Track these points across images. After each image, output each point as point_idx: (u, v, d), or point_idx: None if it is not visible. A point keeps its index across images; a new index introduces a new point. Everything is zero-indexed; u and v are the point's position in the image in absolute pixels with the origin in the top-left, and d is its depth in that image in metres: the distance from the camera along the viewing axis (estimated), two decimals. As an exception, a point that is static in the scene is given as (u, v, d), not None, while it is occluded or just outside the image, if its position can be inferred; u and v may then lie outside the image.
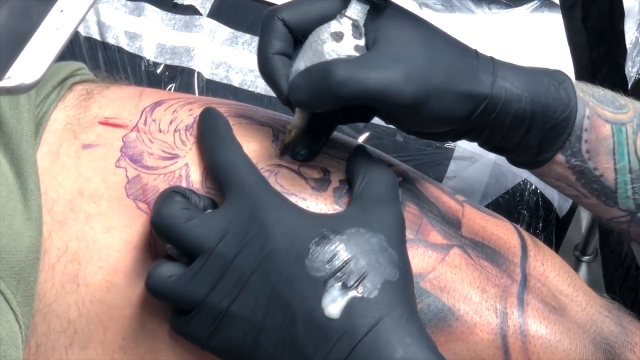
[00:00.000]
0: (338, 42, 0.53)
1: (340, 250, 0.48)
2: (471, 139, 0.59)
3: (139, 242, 0.54)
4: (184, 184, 0.55)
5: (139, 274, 0.53)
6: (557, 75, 0.58)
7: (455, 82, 0.54)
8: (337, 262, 0.48)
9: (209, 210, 0.52)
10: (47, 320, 0.54)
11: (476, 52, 0.57)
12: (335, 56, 0.53)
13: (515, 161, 0.61)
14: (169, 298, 0.50)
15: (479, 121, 0.56)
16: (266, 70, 0.55)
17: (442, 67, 0.53)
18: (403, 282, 0.49)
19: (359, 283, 0.48)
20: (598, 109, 0.58)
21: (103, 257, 0.54)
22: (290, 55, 0.55)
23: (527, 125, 0.57)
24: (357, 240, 0.49)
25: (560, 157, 0.58)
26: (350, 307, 0.47)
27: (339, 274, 0.48)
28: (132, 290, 0.53)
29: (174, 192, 0.51)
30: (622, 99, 0.60)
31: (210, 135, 0.55)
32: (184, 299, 0.49)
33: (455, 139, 0.59)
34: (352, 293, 0.47)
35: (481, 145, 0.60)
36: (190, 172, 0.55)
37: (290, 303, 0.47)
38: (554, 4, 0.96)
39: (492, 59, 0.57)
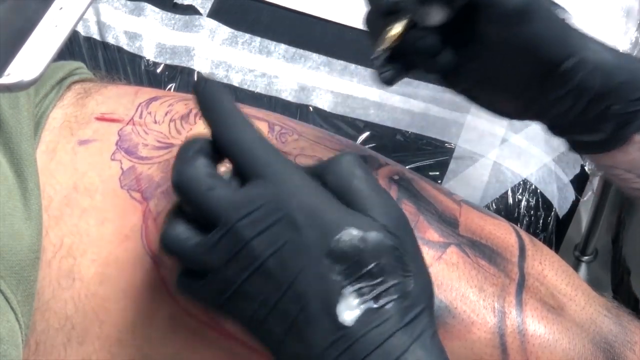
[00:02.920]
0: None
1: (362, 255, 0.47)
2: (546, 113, 0.56)
3: (131, 232, 0.54)
4: None
5: (132, 264, 0.53)
6: None
7: (555, 16, 0.53)
8: (357, 268, 0.46)
9: (234, 184, 0.49)
10: (45, 318, 0.54)
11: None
12: None
13: (587, 144, 0.58)
14: (183, 260, 0.48)
15: (564, 78, 0.53)
16: None
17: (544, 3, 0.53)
18: (418, 291, 0.48)
19: (377, 293, 0.46)
20: None
21: (96, 250, 0.54)
22: None
23: (612, 95, 0.54)
24: (379, 247, 0.47)
25: (638, 137, 0.55)
26: (366, 317, 0.46)
27: (356, 283, 0.46)
28: (125, 281, 0.53)
29: (199, 154, 0.48)
30: None
31: (217, 111, 0.50)
32: (199, 265, 0.47)
33: (528, 113, 0.57)
34: (369, 304, 0.46)
35: (551, 126, 0.58)
36: None
37: (306, 298, 0.46)
38: (555, 4, 0.96)
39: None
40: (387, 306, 0.46)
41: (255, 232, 0.46)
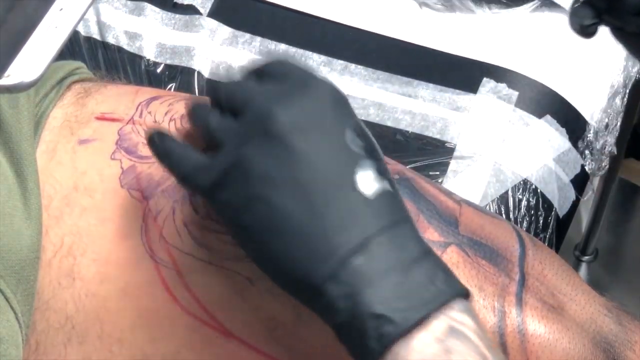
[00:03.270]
0: None
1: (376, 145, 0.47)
2: None
3: (131, 230, 0.54)
4: None
5: (132, 263, 0.53)
6: None
7: None
8: (376, 151, 0.47)
9: None
10: (45, 317, 0.54)
11: None
12: None
13: None
14: (204, 131, 0.48)
15: None
16: None
17: None
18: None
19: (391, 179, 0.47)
20: None
21: (96, 249, 0.54)
22: None
23: None
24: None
25: None
26: (383, 196, 0.45)
27: (374, 160, 0.46)
28: (125, 280, 0.53)
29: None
30: None
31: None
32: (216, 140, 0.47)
33: None
34: (385, 184, 0.46)
35: None
36: None
37: (325, 166, 0.45)
38: (555, 4, 0.96)
39: None
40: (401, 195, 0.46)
41: (279, 102, 0.46)
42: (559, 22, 0.96)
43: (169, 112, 0.58)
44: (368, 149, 0.46)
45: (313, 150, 0.45)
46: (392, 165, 0.62)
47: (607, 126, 0.93)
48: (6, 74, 0.40)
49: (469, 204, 0.62)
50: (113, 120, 0.58)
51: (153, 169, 0.55)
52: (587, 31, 0.56)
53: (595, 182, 1.23)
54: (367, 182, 0.45)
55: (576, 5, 0.55)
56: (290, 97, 0.46)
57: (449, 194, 0.62)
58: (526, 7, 0.96)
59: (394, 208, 0.46)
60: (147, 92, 0.62)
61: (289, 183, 0.44)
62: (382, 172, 0.46)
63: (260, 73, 0.49)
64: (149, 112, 0.58)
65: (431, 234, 0.57)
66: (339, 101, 0.47)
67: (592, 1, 0.55)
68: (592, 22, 0.55)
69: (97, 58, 0.94)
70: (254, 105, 0.46)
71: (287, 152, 0.45)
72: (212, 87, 0.49)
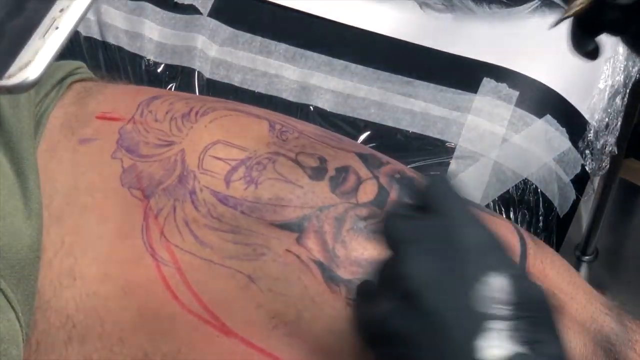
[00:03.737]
0: None
1: (519, 300, 0.42)
2: None
3: (132, 230, 0.54)
4: (179, 169, 0.55)
5: (133, 262, 0.53)
6: None
7: None
8: (510, 311, 0.42)
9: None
10: (46, 317, 0.54)
11: None
12: None
13: None
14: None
15: None
16: None
17: None
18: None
19: (531, 340, 0.41)
20: None
21: (97, 248, 0.54)
22: None
23: None
24: (533, 294, 0.43)
25: None
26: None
27: (505, 321, 0.41)
28: (126, 279, 0.53)
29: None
30: None
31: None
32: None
33: None
34: (518, 348, 0.41)
35: None
36: (185, 156, 0.56)
37: (449, 328, 0.41)
38: (555, 4, 0.96)
39: None
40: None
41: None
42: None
43: (170, 111, 0.58)
44: (499, 308, 0.41)
45: (440, 309, 0.42)
46: (393, 164, 0.62)
47: (607, 126, 0.93)
48: (7, 74, 0.40)
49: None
50: (114, 119, 0.58)
51: (154, 168, 0.55)
52: (592, 55, 0.59)
53: (595, 182, 1.23)
54: (491, 347, 0.40)
55: (574, 34, 0.59)
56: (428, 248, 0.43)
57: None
58: (526, 7, 0.96)
59: None
60: (148, 91, 0.62)
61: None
62: (514, 334, 0.41)
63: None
64: (150, 112, 0.59)
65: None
66: (480, 247, 0.43)
67: (588, 29, 0.57)
68: (594, 46, 0.59)
69: (98, 58, 0.94)
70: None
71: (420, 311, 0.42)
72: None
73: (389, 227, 0.44)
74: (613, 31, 0.58)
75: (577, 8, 0.57)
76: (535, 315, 0.42)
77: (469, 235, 0.43)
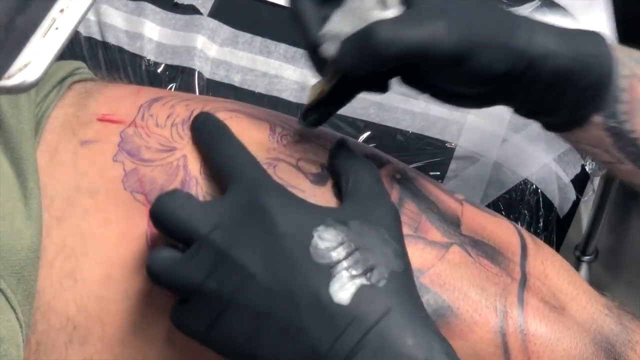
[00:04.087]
0: (383, 10, 0.52)
1: (345, 240, 0.48)
2: (505, 102, 0.57)
3: (135, 233, 0.54)
4: (181, 174, 0.55)
5: (136, 266, 0.53)
6: (595, 35, 0.56)
7: (496, 36, 0.53)
8: (343, 251, 0.47)
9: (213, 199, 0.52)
10: (46, 318, 0.54)
11: (510, 10, 0.56)
12: None
13: (550, 125, 0.59)
14: (165, 281, 0.49)
15: (516, 79, 0.54)
16: (296, 14, 0.55)
17: (482, 21, 0.53)
18: (408, 273, 0.49)
19: (367, 272, 0.47)
20: (637, 70, 0.57)
21: (99, 251, 0.54)
22: (320, 3, 0.55)
23: (563, 84, 0.55)
24: (361, 231, 0.49)
25: (597, 119, 0.56)
26: (360, 295, 0.46)
27: (345, 262, 0.47)
28: (129, 283, 0.53)
29: (179, 189, 0.51)
30: None
31: (209, 133, 0.55)
32: (180, 283, 0.48)
33: (488, 103, 0.58)
34: (361, 280, 0.47)
35: (516, 110, 0.59)
36: (188, 162, 0.56)
37: (295, 289, 0.46)
38: (555, 4, 0.96)
39: (527, 17, 0.56)
40: (380, 284, 0.47)
41: (233, 238, 0.47)
42: (559, 22, 0.96)
43: (171, 115, 0.58)
44: (338, 257, 0.48)
45: (282, 283, 0.47)
46: (395, 164, 0.62)
47: (607, 126, 0.92)
48: (7, 74, 0.40)
49: (471, 203, 0.62)
50: (114, 122, 0.58)
51: (156, 173, 0.55)
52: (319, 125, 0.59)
53: (595, 182, 1.23)
54: (342, 289, 0.47)
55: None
56: (240, 229, 0.49)
57: (450, 194, 0.62)
58: (526, 7, 0.96)
59: (371, 306, 0.47)
60: (149, 92, 0.62)
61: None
62: (354, 274, 0.47)
63: None
64: (151, 115, 0.58)
65: (434, 235, 0.57)
66: (296, 221, 0.49)
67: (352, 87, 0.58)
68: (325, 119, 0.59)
69: (98, 58, 0.94)
70: (202, 240, 0.49)
71: (261, 286, 0.47)
72: (159, 219, 0.51)
73: (183, 212, 0.49)
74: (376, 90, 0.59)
75: (317, 95, 0.56)
76: (361, 245, 0.48)
77: (277, 202, 0.49)
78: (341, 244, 0.48)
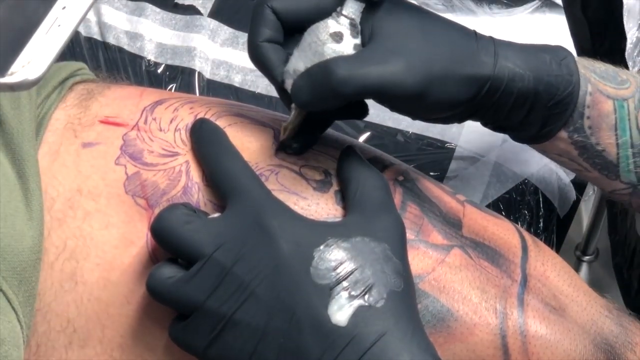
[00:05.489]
0: (338, 42, 0.53)
1: (345, 259, 0.48)
2: (475, 119, 0.59)
3: (136, 238, 0.54)
4: (184, 180, 0.55)
5: (136, 270, 0.53)
6: (558, 52, 0.58)
7: (457, 66, 0.54)
8: (343, 271, 0.48)
9: (210, 216, 0.52)
10: (47, 320, 0.54)
11: (475, 33, 0.56)
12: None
13: (518, 137, 0.61)
14: (167, 299, 0.49)
15: (483, 102, 0.56)
16: (257, 58, 0.55)
17: (442, 54, 0.53)
18: (407, 292, 0.49)
19: (366, 292, 0.48)
20: (600, 85, 0.58)
21: (100, 254, 0.54)
22: (281, 43, 0.55)
23: (530, 104, 0.56)
24: (362, 248, 0.49)
25: (562, 134, 0.58)
26: (358, 316, 0.47)
27: (344, 282, 0.47)
28: (129, 287, 0.53)
29: (179, 204, 0.51)
30: (624, 74, 0.60)
31: (208, 145, 0.55)
32: (182, 302, 0.49)
33: (460, 120, 0.59)
34: (359, 301, 0.47)
35: (485, 124, 0.60)
36: (190, 169, 0.55)
37: (295, 309, 0.47)
38: (555, 4, 0.97)
39: (492, 39, 0.57)
40: (379, 304, 0.47)
41: (236, 257, 0.48)
42: (559, 22, 0.96)
43: (174, 119, 0.58)
44: (337, 277, 0.48)
45: (282, 301, 0.48)
46: (397, 165, 0.61)
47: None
48: (9, 71, 0.40)
49: (473, 204, 0.62)
50: (117, 124, 0.58)
51: (158, 177, 0.55)
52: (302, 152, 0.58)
53: (595, 183, 1.22)
54: (340, 310, 0.47)
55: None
56: (243, 248, 0.49)
57: (452, 195, 0.62)
58: (526, 8, 0.97)
59: (369, 329, 0.47)
60: (152, 94, 0.61)
61: None
62: (353, 294, 0.48)
63: None
64: (154, 119, 0.58)
65: (435, 238, 0.57)
66: (297, 241, 0.49)
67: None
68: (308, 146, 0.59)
69: (98, 58, 0.94)
70: (206, 259, 0.50)
71: (262, 304, 0.48)
72: (162, 236, 0.51)
73: (187, 231, 0.50)
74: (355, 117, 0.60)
75: (289, 130, 0.56)
76: (361, 264, 0.48)
77: (278, 220, 0.49)
78: (341, 263, 0.48)
